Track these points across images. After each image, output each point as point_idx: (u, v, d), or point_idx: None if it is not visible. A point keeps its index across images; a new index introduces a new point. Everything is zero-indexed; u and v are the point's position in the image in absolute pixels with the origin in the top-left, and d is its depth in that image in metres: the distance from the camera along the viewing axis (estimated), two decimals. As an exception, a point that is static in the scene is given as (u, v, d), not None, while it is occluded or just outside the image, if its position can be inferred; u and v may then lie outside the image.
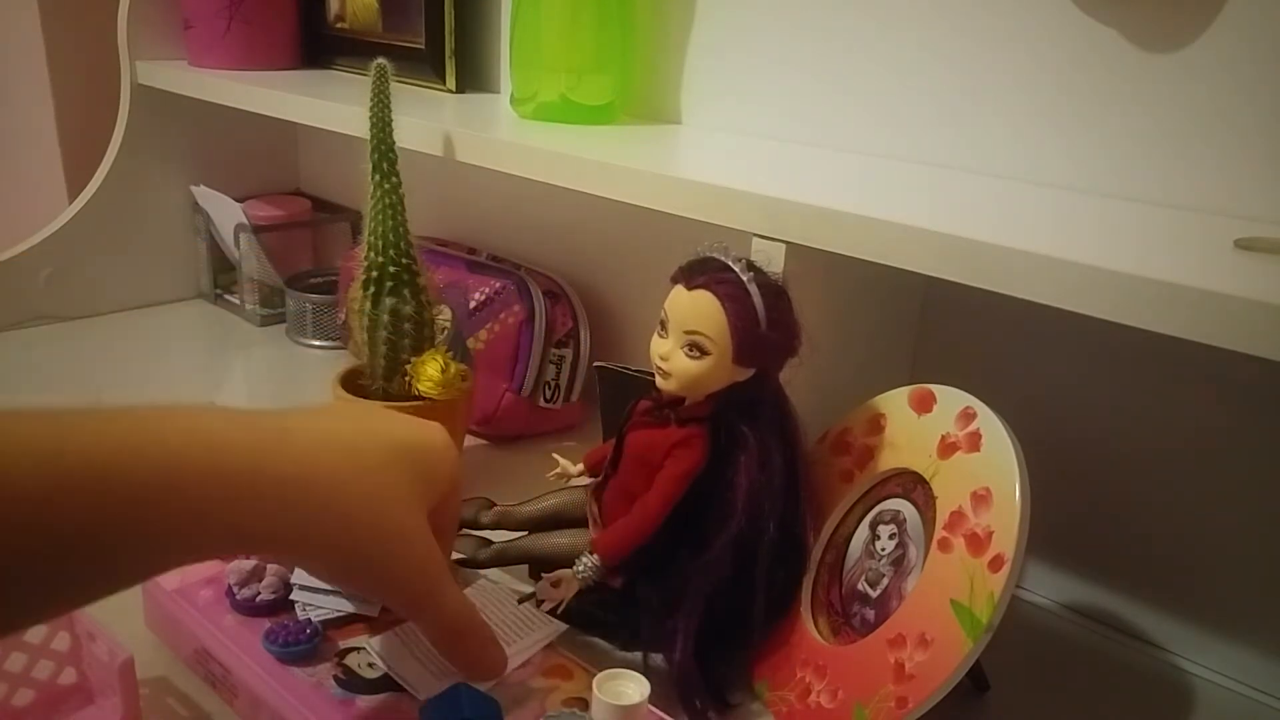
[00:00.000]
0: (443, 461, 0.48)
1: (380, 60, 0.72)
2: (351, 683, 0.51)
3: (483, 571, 0.65)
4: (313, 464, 0.41)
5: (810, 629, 0.57)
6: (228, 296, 1.18)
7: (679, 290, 0.54)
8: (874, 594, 0.56)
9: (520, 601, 0.58)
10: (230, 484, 0.38)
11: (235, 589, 0.56)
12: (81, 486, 0.34)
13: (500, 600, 0.57)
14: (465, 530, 0.67)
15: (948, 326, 0.73)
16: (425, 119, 0.80)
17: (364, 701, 0.50)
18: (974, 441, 0.54)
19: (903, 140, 0.72)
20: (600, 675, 0.47)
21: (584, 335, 0.90)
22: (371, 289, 0.73)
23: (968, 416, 0.55)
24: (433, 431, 0.48)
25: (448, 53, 0.95)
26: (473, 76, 0.98)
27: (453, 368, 0.73)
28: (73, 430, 0.35)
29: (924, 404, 0.58)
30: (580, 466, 0.64)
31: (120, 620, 0.56)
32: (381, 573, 0.44)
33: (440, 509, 0.47)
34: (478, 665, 0.48)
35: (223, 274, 1.18)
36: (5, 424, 0.33)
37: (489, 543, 0.65)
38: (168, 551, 0.38)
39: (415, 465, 0.45)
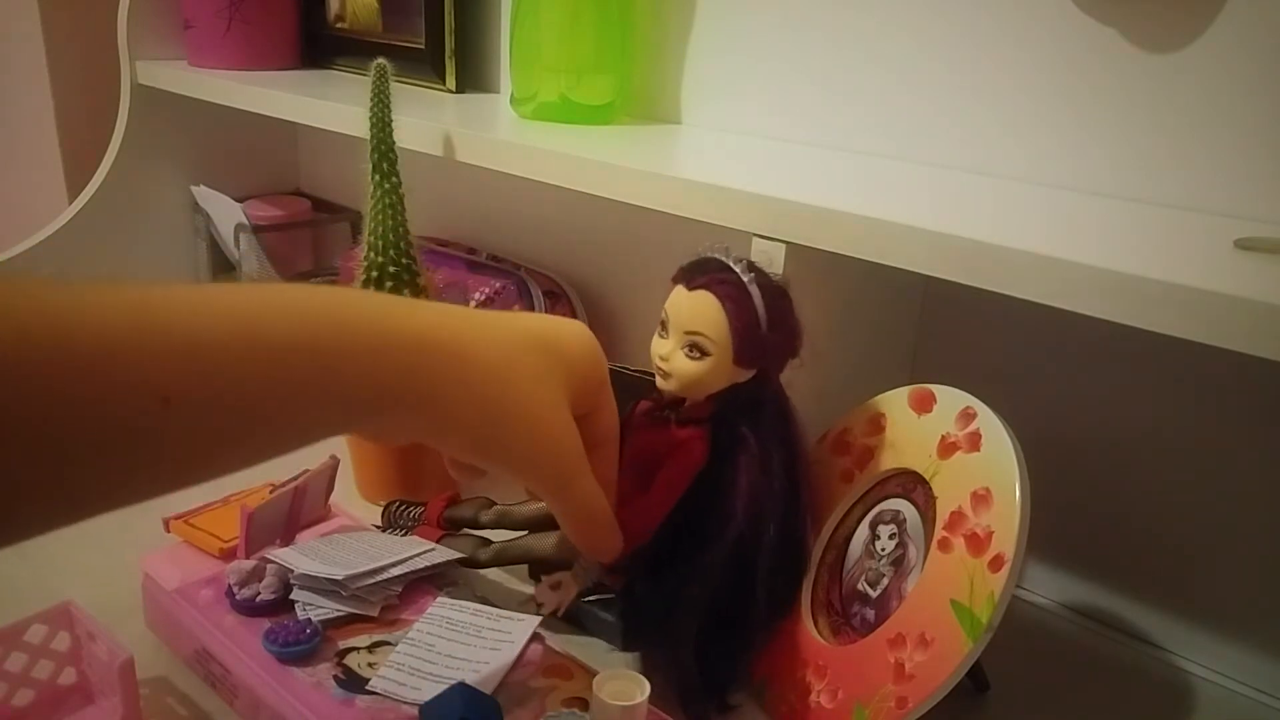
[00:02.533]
0: (586, 353, 0.47)
1: (380, 60, 0.72)
2: (351, 683, 0.51)
3: (483, 571, 0.65)
4: (448, 330, 0.41)
5: (810, 629, 0.57)
6: (228, 296, 1.17)
7: (679, 291, 0.54)
8: (874, 594, 0.56)
9: (521, 604, 0.58)
10: (363, 343, 0.38)
11: (235, 589, 0.56)
12: (227, 346, 0.34)
13: (468, 613, 0.57)
14: (465, 530, 0.67)
15: (948, 326, 0.73)
16: (425, 119, 0.80)
17: (364, 701, 0.50)
18: (974, 441, 0.54)
19: (903, 140, 0.71)
20: (600, 675, 0.47)
21: (584, 335, 0.89)
22: (371, 289, 0.73)
23: (968, 416, 0.55)
24: (575, 328, 0.48)
25: (448, 53, 0.95)
26: (473, 76, 0.98)
27: (453, 368, 0.73)
28: (214, 296, 0.35)
29: (924, 404, 0.58)
30: (580, 466, 0.64)
31: (120, 620, 0.56)
32: (516, 451, 0.44)
33: (595, 416, 0.48)
34: (596, 548, 0.50)
35: (223, 274, 1.18)
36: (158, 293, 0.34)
37: (489, 542, 0.65)
38: (308, 414, 0.38)
39: (555, 353, 0.45)
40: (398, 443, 0.48)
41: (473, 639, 0.55)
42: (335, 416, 0.39)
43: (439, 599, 0.58)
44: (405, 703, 0.50)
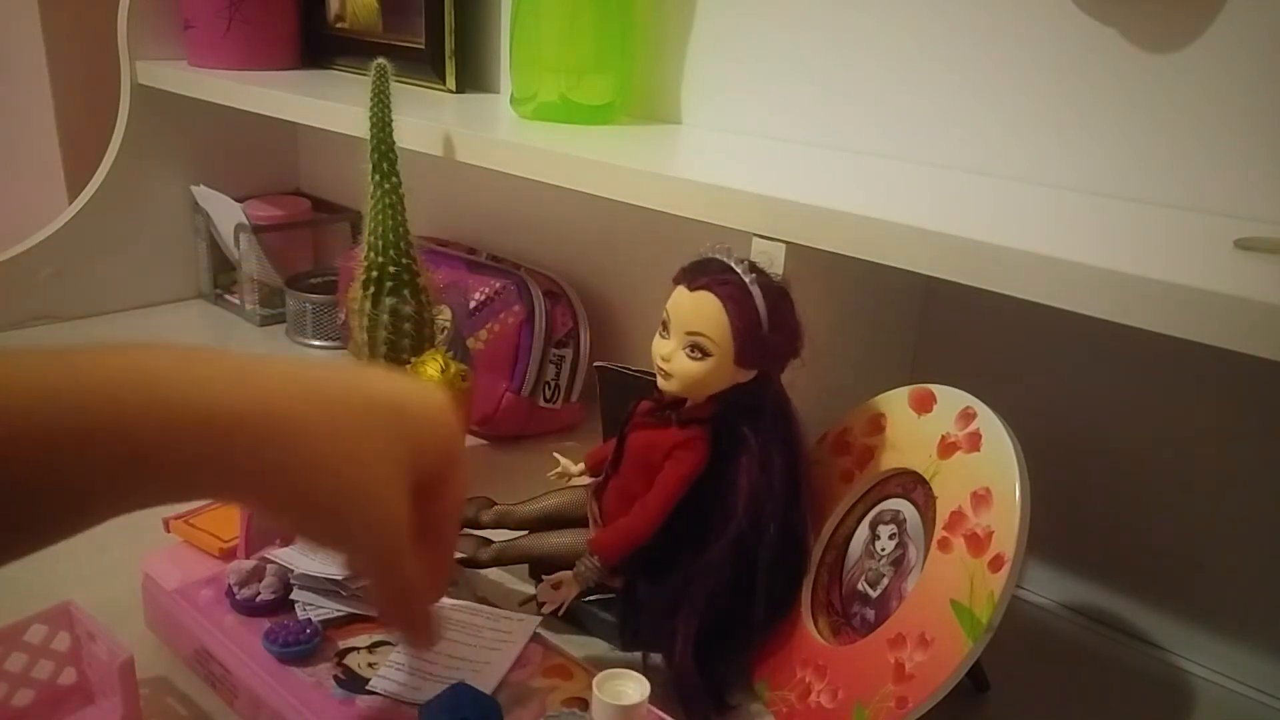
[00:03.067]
0: (435, 427, 0.43)
1: (380, 60, 0.72)
2: (351, 683, 0.51)
3: (482, 571, 0.65)
4: (271, 402, 0.37)
5: (810, 629, 0.57)
6: (228, 296, 1.18)
7: (681, 291, 0.54)
8: (874, 594, 0.56)
9: (521, 604, 0.58)
10: (174, 420, 0.35)
11: (235, 589, 0.56)
12: (22, 424, 0.32)
13: (467, 613, 0.57)
14: (465, 530, 0.67)
15: (948, 326, 0.73)
16: (425, 119, 0.80)
17: (364, 701, 0.50)
18: (974, 441, 0.54)
19: (903, 140, 0.72)
20: (600, 675, 0.47)
21: (584, 335, 0.90)
22: (371, 289, 0.73)
23: (968, 416, 0.55)
24: (427, 397, 0.43)
25: (448, 53, 0.95)
26: (473, 76, 0.98)
27: (453, 368, 0.73)
28: (15, 368, 0.33)
29: (924, 404, 0.58)
30: (581, 466, 0.64)
31: (120, 620, 0.56)
32: (338, 529, 0.40)
33: (439, 492, 0.43)
34: (407, 635, 0.47)
35: (223, 274, 1.18)
36: None
37: (489, 542, 0.64)
38: (117, 492, 0.36)
39: (399, 425, 0.41)
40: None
41: (472, 639, 0.55)
42: (150, 495, 0.37)
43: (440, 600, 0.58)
44: (405, 702, 0.50)
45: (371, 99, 0.72)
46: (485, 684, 0.51)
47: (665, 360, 0.54)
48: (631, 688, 0.47)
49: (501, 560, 0.64)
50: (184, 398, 0.36)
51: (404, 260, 0.73)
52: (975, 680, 0.59)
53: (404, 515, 0.41)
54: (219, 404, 0.36)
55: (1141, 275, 0.45)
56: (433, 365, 0.72)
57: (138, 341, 0.37)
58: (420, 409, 0.42)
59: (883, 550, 0.57)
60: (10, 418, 0.32)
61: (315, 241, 1.22)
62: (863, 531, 0.59)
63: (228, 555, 0.60)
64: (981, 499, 0.52)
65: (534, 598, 0.57)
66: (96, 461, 0.34)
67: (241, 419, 0.37)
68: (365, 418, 0.40)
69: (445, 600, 0.58)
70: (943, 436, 0.55)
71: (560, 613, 0.56)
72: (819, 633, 0.57)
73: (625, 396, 0.62)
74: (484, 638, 0.55)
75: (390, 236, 0.72)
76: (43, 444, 0.33)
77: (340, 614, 0.55)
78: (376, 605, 0.46)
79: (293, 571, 0.57)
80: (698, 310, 0.53)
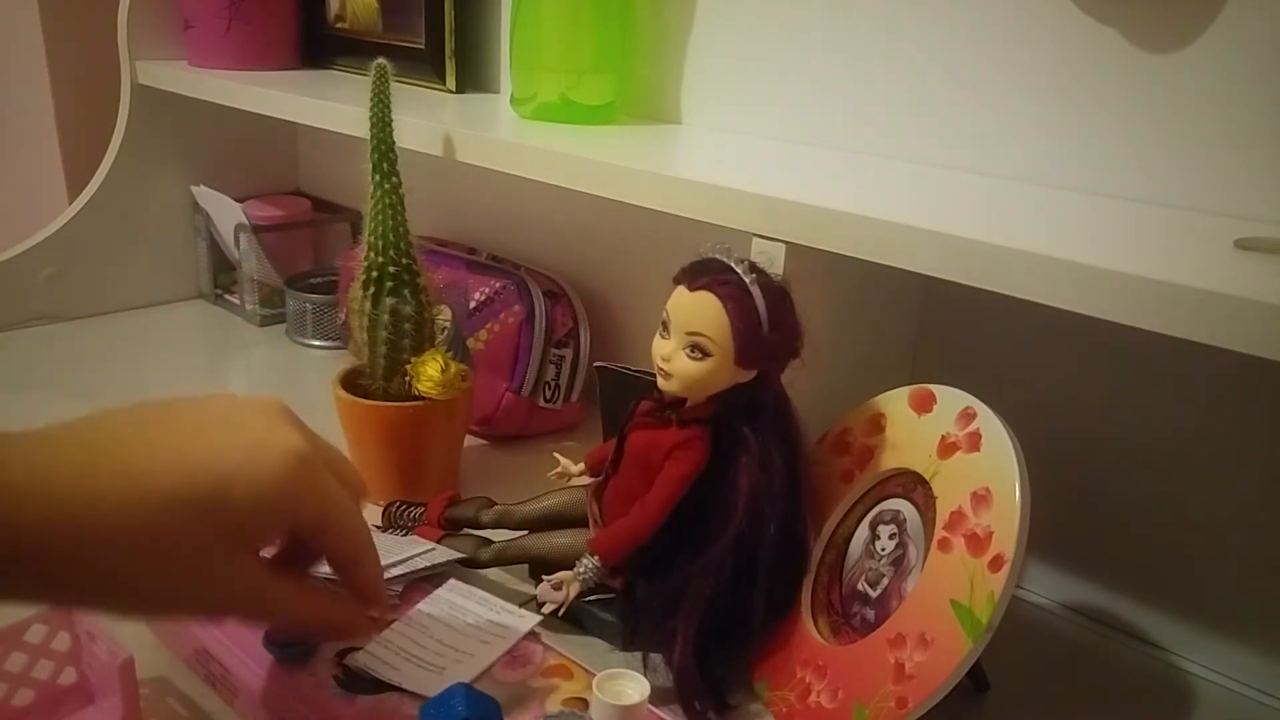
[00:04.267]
0: (262, 496, 0.40)
1: (380, 60, 0.72)
2: (351, 683, 0.51)
3: (482, 571, 0.65)
4: (67, 516, 0.36)
5: (810, 629, 0.57)
6: (228, 296, 1.18)
7: (681, 291, 0.54)
8: (874, 594, 0.56)
9: (521, 604, 0.58)
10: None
11: (235, 589, 0.56)
12: None
13: (474, 600, 0.58)
14: (465, 530, 0.67)
15: (948, 326, 0.73)
16: (425, 119, 0.80)
17: (364, 701, 0.50)
18: (974, 441, 0.54)
19: (903, 140, 0.72)
20: (600, 675, 0.47)
21: (584, 335, 0.90)
22: (371, 289, 0.73)
23: (968, 416, 0.55)
24: (250, 472, 0.40)
25: (448, 53, 0.95)
26: (473, 76, 0.98)
27: (453, 368, 0.73)
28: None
29: (924, 404, 0.58)
30: (581, 466, 0.64)
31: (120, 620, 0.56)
32: (189, 610, 0.43)
33: (317, 533, 0.43)
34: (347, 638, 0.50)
35: (223, 274, 1.18)
36: None
37: (489, 542, 0.65)
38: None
39: (219, 511, 0.39)
40: None
41: (468, 628, 0.55)
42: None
43: (451, 581, 0.58)
44: (383, 681, 0.50)
45: (371, 99, 0.72)
46: (466, 673, 0.51)
47: (665, 360, 0.54)
48: (631, 688, 0.47)
49: (501, 560, 0.64)
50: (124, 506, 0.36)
51: (404, 260, 0.73)
52: (975, 680, 0.59)
53: (251, 582, 0.41)
54: (23, 522, 0.35)
55: (1141, 275, 0.45)
56: (433, 365, 0.72)
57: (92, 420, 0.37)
58: (243, 487, 0.40)
59: (883, 550, 0.57)
60: None
61: (315, 241, 1.22)
62: (863, 531, 0.59)
63: (228, 555, 0.60)
64: (981, 499, 0.52)
65: (534, 598, 0.57)
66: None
67: (51, 538, 0.36)
68: (183, 514, 0.38)
69: (455, 584, 0.58)
70: (943, 436, 0.55)
71: (560, 613, 0.56)
72: (819, 633, 0.57)
73: (625, 396, 0.62)
74: (480, 629, 0.55)
75: (390, 236, 0.72)
76: None
77: None
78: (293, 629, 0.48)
79: None
80: (698, 310, 0.53)
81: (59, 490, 0.37)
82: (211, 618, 0.43)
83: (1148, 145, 0.61)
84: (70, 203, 1.12)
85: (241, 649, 0.53)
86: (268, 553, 0.46)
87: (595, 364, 0.78)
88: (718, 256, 0.54)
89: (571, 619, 0.56)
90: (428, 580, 0.60)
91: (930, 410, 0.57)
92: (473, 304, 0.87)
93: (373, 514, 0.72)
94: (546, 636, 0.56)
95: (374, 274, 0.73)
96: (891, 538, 0.56)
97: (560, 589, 0.56)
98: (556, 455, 0.65)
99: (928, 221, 0.53)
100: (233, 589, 0.41)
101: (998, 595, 0.49)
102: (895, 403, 0.59)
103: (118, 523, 0.37)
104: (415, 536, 0.66)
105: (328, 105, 0.88)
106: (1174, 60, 0.59)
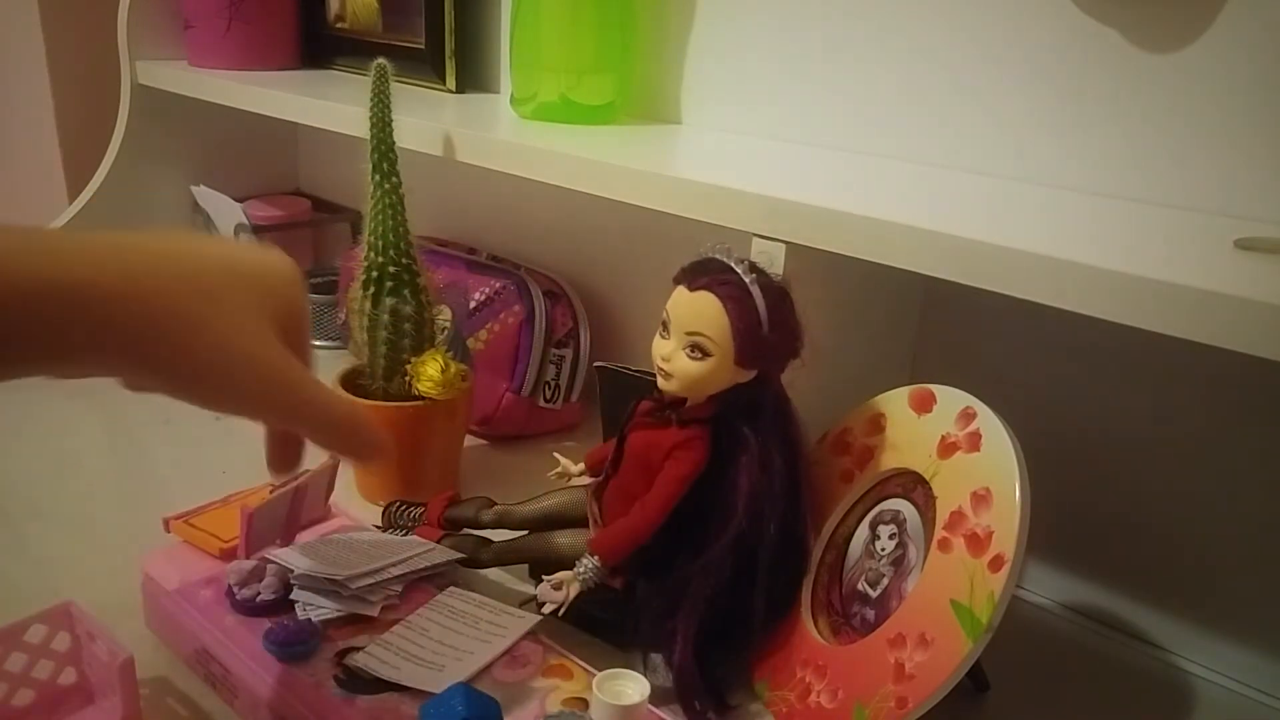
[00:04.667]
0: (288, 284, 0.48)
1: (380, 60, 0.72)
2: (351, 683, 0.51)
3: (482, 571, 0.65)
4: (124, 272, 0.40)
5: (810, 629, 0.57)
6: (228, 296, 1.17)
7: (681, 291, 0.54)
8: (874, 594, 0.56)
9: (521, 604, 0.58)
10: (20, 296, 0.37)
11: (235, 589, 0.56)
12: None
13: (473, 604, 0.58)
14: (465, 530, 0.67)
15: (948, 326, 0.73)
16: (425, 119, 0.80)
17: (364, 701, 0.50)
18: (974, 441, 0.54)
19: (903, 141, 0.72)
20: (600, 675, 0.47)
21: (584, 335, 0.90)
22: (371, 289, 0.73)
23: (968, 416, 0.55)
24: (275, 258, 0.48)
25: (448, 53, 0.95)
26: (473, 76, 0.98)
27: (453, 368, 0.73)
28: None
29: (924, 404, 0.58)
30: (581, 466, 0.64)
31: (120, 620, 0.56)
32: (226, 384, 0.44)
33: (291, 335, 0.47)
34: (362, 450, 0.49)
35: (223, 274, 1.18)
36: None
37: (489, 542, 0.65)
38: None
39: (258, 287, 0.46)
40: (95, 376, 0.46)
41: (467, 629, 0.55)
42: (20, 358, 0.39)
43: (450, 589, 0.59)
44: (384, 680, 0.50)
45: (371, 99, 0.72)
46: (463, 671, 0.51)
47: (665, 360, 0.54)
48: (631, 688, 0.47)
49: (501, 560, 0.64)
50: (32, 273, 0.38)
51: (404, 260, 0.73)
52: (975, 680, 0.59)
53: (289, 360, 0.46)
54: (70, 278, 0.39)
55: (1141, 275, 0.45)
56: (433, 365, 0.72)
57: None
58: (273, 271, 0.47)
59: (883, 550, 0.57)
60: None
61: (315, 241, 1.22)
62: (863, 531, 0.59)
63: (228, 555, 0.60)
64: (981, 499, 0.52)
65: (534, 598, 0.57)
66: None
67: (103, 296, 0.39)
68: (231, 286, 0.44)
69: (454, 590, 0.58)
70: (943, 436, 0.55)
71: (560, 613, 0.56)
72: (819, 633, 0.57)
73: (625, 396, 0.62)
74: (479, 629, 0.55)
75: (390, 236, 0.73)
76: None
77: (340, 614, 0.55)
78: (321, 441, 0.48)
79: (293, 572, 0.57)
80: (698, 310, 0.53)
81: (133, 256, 0.41)
82: (249, 396, 0.44)
83: (1148, 145, 0.61)
84: (70, 203, 1.12)
85: (241, 649, 0.53)
86: None
87: (595, 364, 0.78)
88: (718, 256, 0.54)
89: (571, 619, 0.56)
90: (428, 581, 0.60)
91: (930, 410, 0.57)
92: (473, 304, 0.87)
93: (373, 514, 0.72)
94: (546, 636, 0.56)
95: (374, 274, 0.73)
96: (891, 538, 0.57)
97: (560, 589, 0.55)
98: (556, 455, 0.65)
99: (928, 221, 0.53)
100: (270, 358, 0.45)
101: (998, 595, 0.49)
102: (895, 403, 0.59)
103: (170, 283, 0.42)
104: (415, 536, 0.66)
105: (328, 105, 0.88)
106: (1174, 60, 0.59)
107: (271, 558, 0.58)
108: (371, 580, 0.57)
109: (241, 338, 0.44)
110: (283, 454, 0.51)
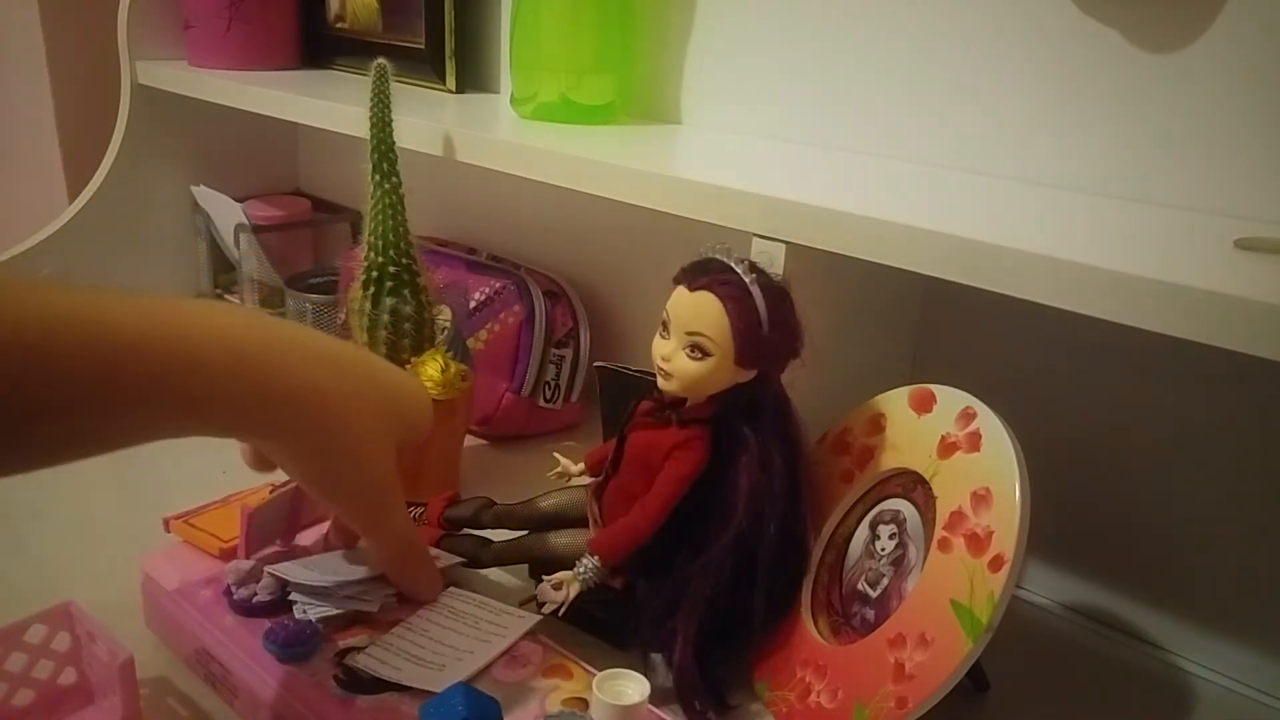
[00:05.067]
0: (421, 411, 0.54)
1: (380, 60, 0.72)
2: (351, 683, 0.51)
3: (483, 571, 0.65)
4: (302, 371, 0.46)
5: (810, 629, 0.57)
6: (228, 296, 1.18)
7: (681, 291, 0.54)
8: (874, 594, 0.56)
9: (521, 604, 0.58)
10: (214, 363, 0.43)
11: (233, 589, 0.56)
12: (72, 347, 0.38)
13: (473, 604, 0.58)
14: (465, 530, 0.67)
15: (948, 326, 0.73)
16: (425, 119, 0.80)
17: (364, 701, 0.50)
18: (974, 441, 0.54)
19: (903, 141, 0.72)
20: (600, 675, 0.47)
21: (584, 335, 0.90)
22: (371, 289, 0.73)
23: (968, 416, 0.55)
24: (416, 384, 0.55)
25: (448, 53, 0.95)
26: (473, 76, 0.98)
27: (453, 368, 0.73)
28: (68, 301, 0.39)
29: (924, 404, 0.58)
30: (581, 466, 0.64)
31: (120, 620, 0.56)
32: (344, 483, 0.50)
33: (404, 451, 0.53)
34: (416, 582, 0.56)
35: (223, 274, 1.18)
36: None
37: (489, 542, 0.65)
38: (164, 406, 0.43)
39: (394, 402, 0.52)
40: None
41: (467, 629, 0.55)
42: (180, 422, 0.44)
43: (450, 589, 0.59)
44: (385, 681, 0.51)
45: (371, 99, 0.72)
46: (464, 671, 0.51)
47: (665, 360, 0.54)
48: (631, 688, 0.47)
49: (501, 560, 0.64)
50: (256, 370, 0.45)
51: (404, 260, 0.73)
52: (975, 680, 0.59)
53: (395, 475, 0.51)
54: (277, 382, 0.46)
55: (1141, 275, 0.45)
56: (433, 365, 0.72)
57: (199, 300, 0.45)
58: (411, 393, 0.54)
59: (883, 550, 0.57)
60: (67, 341, 0.38)
61: (315, 241, 1.22)
62: (863, 531, 0.59)
63: (227, 555, 0.60)
64: (981, 499, 0.52)
65: (534, 598, 0.57)
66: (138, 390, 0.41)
67: (277, 390, 0.46)
68: (372, 394, 0.50)
69: (454, 591, 0.59)
70: (943, 436, 0.55)
71: (560, 613, 0.56)
72: (819, 633, 0.57)
73: (625, 396, 0.62)
74: (479, 629, 0.55)
75: (390, 236, 0.72)
76: (102, 373, 0.39)
77: (338, 612, 0.55)
78: (381, 563, 0.54)
79: (290, 583, 0.56)
80: (698, 310, 0.53)
81: (297, 355, 0.48)
82: (355, 486, 0.51)
83: (1148, 145, 0.61)
84: (70, 203, 1.12)
85: (241, 649, 0.53)
86: None
87: (595, 364, 0.78)
88: (718, 256, 0.54)
89: (571, 619, 0.56)
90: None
91: (930, 410, 0.57)
92: (473, 304, 0.87)
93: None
94: (546, 636, 0.56)
95: (374, 274, 0.73)
96: (891, 538, 0.57)
97: (560, 589, 0.55)
98: (556, 455, 0.65)
99: (928, 221, 0.53)
100: (385, 465, 0.50)
101: (998, 595, 0.49)
102: (895, 403, 0.59)
103: (332, 379, 0.48)
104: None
105: (328, 105, 0.88)
106: (1174, 60, 0.59)
107: (272, 572, 0.57)
108: (360, 588, 0.57)
109: (371, 440, 0.50)
110: (341, 538, 0.59)
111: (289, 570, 0.57)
